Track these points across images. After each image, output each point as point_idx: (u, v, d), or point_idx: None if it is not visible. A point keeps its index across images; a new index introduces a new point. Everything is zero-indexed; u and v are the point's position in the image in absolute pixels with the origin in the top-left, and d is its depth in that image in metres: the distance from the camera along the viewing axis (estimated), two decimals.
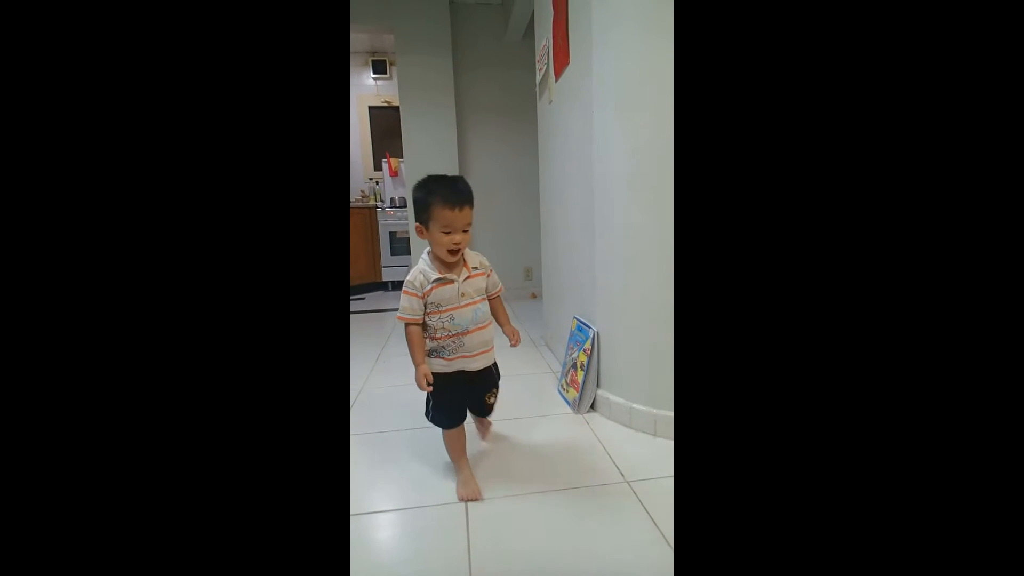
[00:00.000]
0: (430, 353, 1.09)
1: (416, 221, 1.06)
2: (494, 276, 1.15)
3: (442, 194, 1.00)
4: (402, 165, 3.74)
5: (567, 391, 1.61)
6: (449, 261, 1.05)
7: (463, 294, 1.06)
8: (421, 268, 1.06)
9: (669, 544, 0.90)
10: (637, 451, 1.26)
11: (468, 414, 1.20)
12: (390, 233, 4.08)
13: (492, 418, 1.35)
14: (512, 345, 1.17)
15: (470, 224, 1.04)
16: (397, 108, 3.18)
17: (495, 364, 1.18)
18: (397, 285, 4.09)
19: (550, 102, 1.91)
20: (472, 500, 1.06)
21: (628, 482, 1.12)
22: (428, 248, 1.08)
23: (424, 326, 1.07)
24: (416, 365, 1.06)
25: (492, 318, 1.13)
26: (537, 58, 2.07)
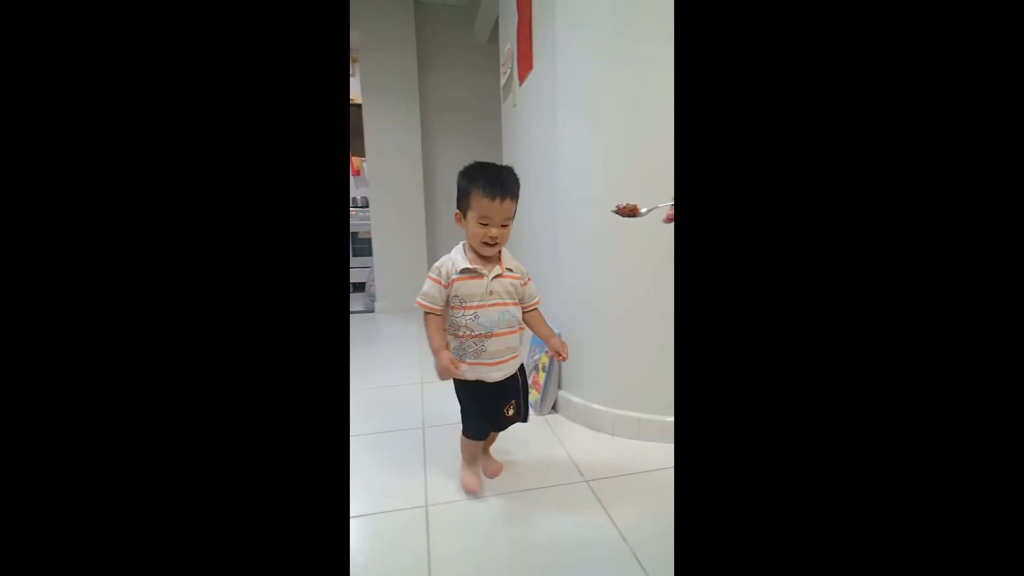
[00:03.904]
0: (454, 354, 1.00)
1: (456, 208, 1.00)
2: (531, 286, 1.06)
3: (483, 182, 0.93)
4: (364, 164, 3.66)
5: (529, 392, 1.62)
6: (484, 255, 0.98)
7: (491, 292, 0.98)
8: (451, 256, 0.99)
9: (626, 541, 0.92)
10: (596, 450, 1.29)
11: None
12: (352, 233, 3.99)
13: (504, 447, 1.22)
14: (560, 359, 1.06)
15: (510, 219, 0.96)
16: (359, 106, 3.12)
17: (522, 370, 1.09)
18: (358, 287, 4.00)
19: (514, 105, 1.93)
20: (473, 492, 1.07)
21: (587, 481, 1.14)
22: (464, 241, 1.02)
23: (448, 323, 1.00)
24: (436, 352, 0.96)
25: (524, 326, 1.06)
26: (501, 61, 2.08)
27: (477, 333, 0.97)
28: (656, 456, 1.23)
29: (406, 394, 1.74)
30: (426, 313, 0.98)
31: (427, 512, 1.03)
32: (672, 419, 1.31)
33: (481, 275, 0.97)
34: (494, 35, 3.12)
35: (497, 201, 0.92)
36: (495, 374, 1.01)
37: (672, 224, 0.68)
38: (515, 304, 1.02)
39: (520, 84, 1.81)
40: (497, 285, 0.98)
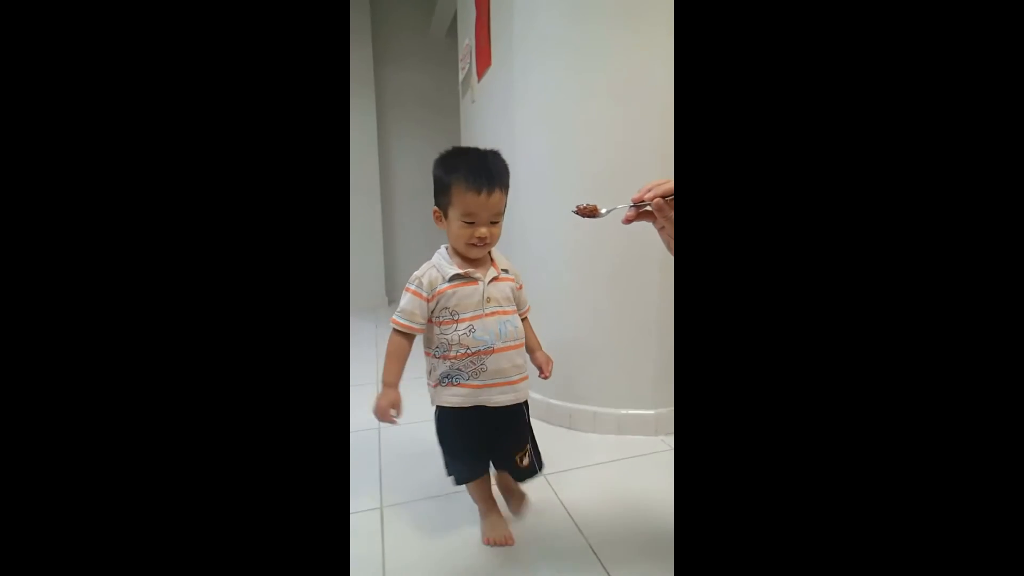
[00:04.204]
0: (442, 380, 0.82)
1: (435, 204, 0.82)
2: (524, 292, 0.91)
3: (465, 173, 0.75)
4: None
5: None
6: (471, 257, 0.81)
7: (488, 299, 0.80)
8: (435, 262, 0.81)
9: (582, 534, 0.93)
10: (553, 445, 1.30)
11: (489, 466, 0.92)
12: None
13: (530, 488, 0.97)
14: (543, 376, 0.91)
15: (501, 214, 0.79)
16: None
17: (527, 407, 0.89)
18: None
19: (473, 102, 1.91)
20: (503, 545, 0.88)
21: (544, 475, 1.15)
22: (445, 245, 0.84)
23: (433, 344, 0.82)
24: (384, 384, 0.78)
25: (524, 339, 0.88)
26: (460, 56, 2.06)
27: (475, 351, 0.79)
28: (610, 449, 1.26)
29: (360, 394, 1.69)
30: (394, 332, 0.79)
31: (382, 514, 1.01)
32: (625, 412, 1.34)
33: (475, 280, 0.80)
34: (453, 29, 3.09)
35: (484, 195, 0.75)
36: (500, 396, 0.82)
37: (630, 225, 0.66)
38: (515, 312, 0.85)
39: (479, 80, 1.79)
40: (494, 290, 0.82)
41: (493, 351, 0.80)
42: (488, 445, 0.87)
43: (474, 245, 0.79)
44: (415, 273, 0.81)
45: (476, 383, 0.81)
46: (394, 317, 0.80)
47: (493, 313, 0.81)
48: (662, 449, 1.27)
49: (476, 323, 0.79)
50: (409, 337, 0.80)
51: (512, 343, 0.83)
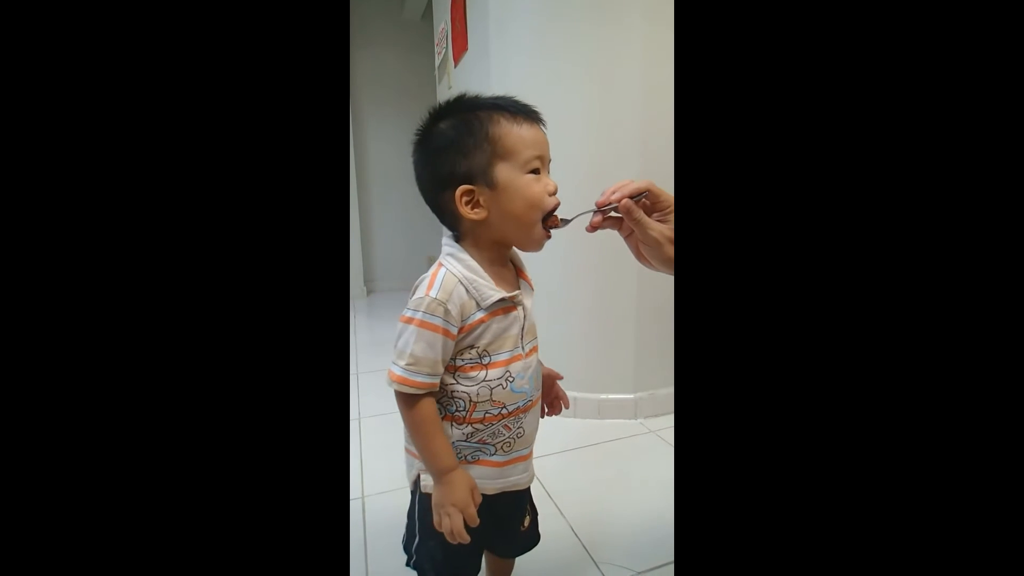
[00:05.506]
0: (460, 455, 0.54)
1: (458, 182, 0.51)
2: None
3: (505, 103, 0.52)
4: None
5: None
6: (538, 248, 0.55)
7: (527, 329, 0.56)
8: (461, 275, 0.51)
9: (563, 515, 0.95)
10: None
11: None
12: None
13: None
14: (555, 411, 0.69)
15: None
16: None
17: None
18: None
19: (449, 87, 1.88)
20: None
21: None
22: (449, 234, 0.56)
23: (436, 398, 0.53)
24: (439, 472, 0.51)
25: None
26: (436, 41, 2.02)
27: (513, 408, 0.54)
28: (590, 432, 1.28)
29: None
30: (410, 400, 0.50)
31: (363, 503, 1.00)
32: (605, 397, 1.36)
33: (516, 304, 0.54)
34: (428, 12, 3.02)
35: (539, 127, 0.52)
36: (524, 475, 0.58)
37: (593, 232, 0.56)
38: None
39: (455, 65, 1.76)
40: (531, 314, 0.57)
41: (533, 403, 0.56)
42: (489, 528, 0.56)
43: (548, 217, 0.52)
44: (430, 296, 0.49)
45: (508, 458, 0.55)
46: (403, 374, 0.49)
47: (532, 351, 0.56)
48: (641, 432, 1.30)
49: (514, 367, 0.53)
50: (432, 396, 0.51)
51: (540, 389, 0.59)
